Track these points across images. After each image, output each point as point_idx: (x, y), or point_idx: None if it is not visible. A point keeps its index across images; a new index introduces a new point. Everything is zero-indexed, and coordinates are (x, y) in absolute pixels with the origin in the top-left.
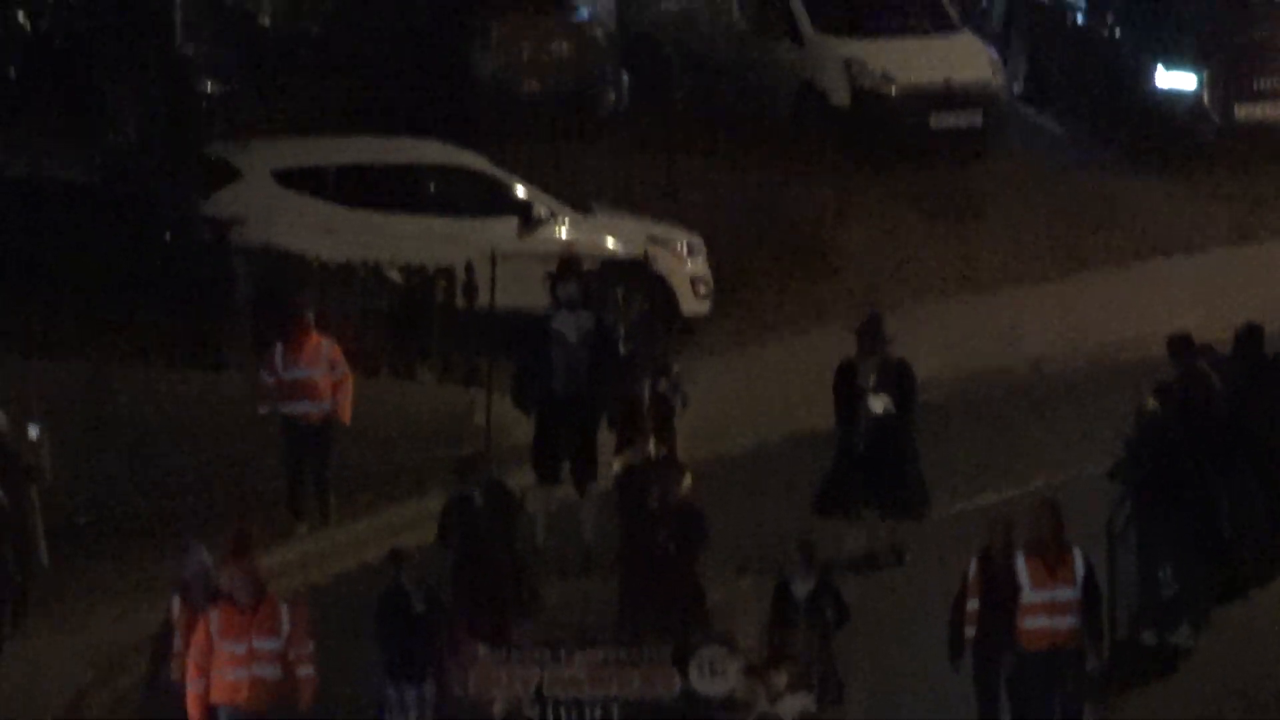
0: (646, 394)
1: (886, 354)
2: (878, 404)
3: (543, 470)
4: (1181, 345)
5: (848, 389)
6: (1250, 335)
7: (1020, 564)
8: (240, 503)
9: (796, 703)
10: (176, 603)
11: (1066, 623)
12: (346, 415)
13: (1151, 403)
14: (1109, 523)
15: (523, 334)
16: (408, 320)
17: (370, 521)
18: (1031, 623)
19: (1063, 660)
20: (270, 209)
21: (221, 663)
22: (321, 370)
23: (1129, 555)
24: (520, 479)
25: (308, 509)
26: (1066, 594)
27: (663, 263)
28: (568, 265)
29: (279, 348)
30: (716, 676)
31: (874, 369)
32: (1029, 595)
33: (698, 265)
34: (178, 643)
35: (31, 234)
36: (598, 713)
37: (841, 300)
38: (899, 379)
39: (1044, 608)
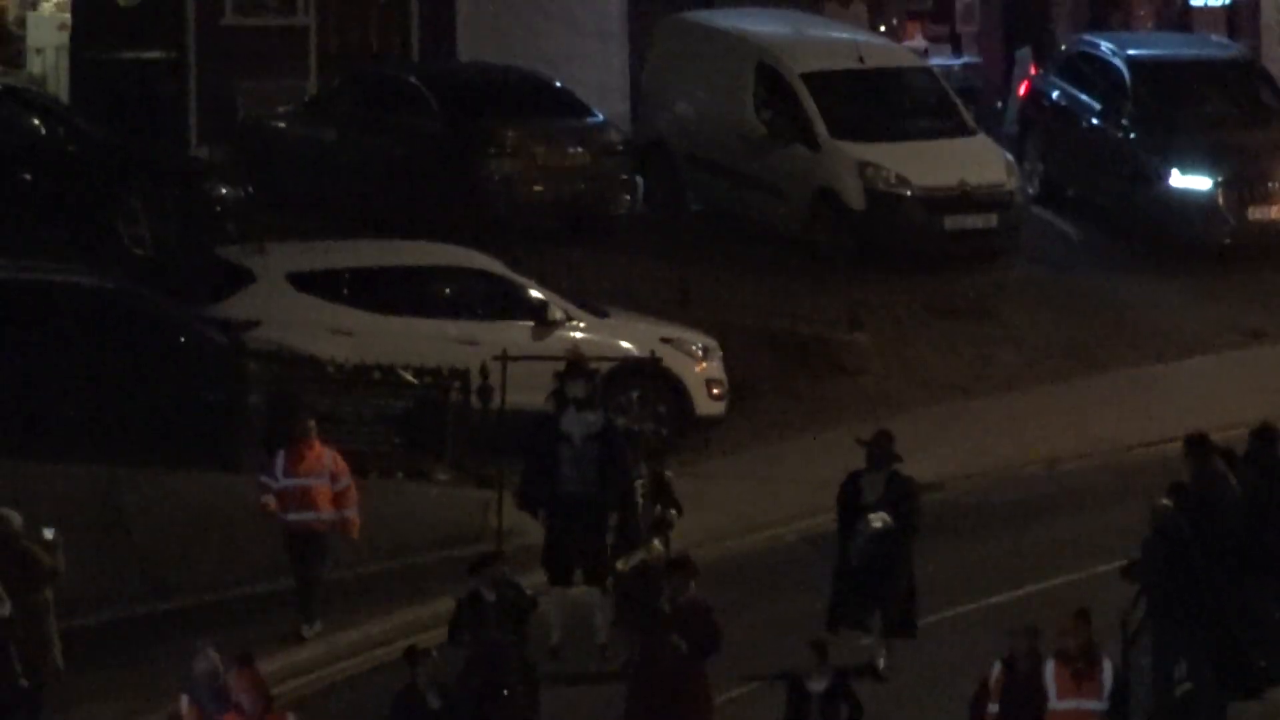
0: (642, 496)
1: (894, 470)
2: (877, 520)
3: (553, 571)
4: (1198, 444)
5: (851, 503)
6: (1264, 435)
7: (1048, 671)
8: (250, 605)
9: None
10: (185, 701)
11: None
12: (353, 528)
13: (1166, 502)
14: (1123, 621)
15: (530, 434)
16: (422, 422)
17: (384, 622)
18: None
19: None
20: (285, 312)
21: None
22: (322, 480)
23: (1143, 653)
24: (534, 580)
25: (313, 612)
26: (1092, 705)
27: (677, 364)
28: (575, 365)
29: (280, 455)
30: None
31: (879, 484)
32: (1055, 704)
33: (712, 367)
34: None
35: (46, 337)
36: None
37: (855, 402)
38: (901, 496)
39: (1069, 717)
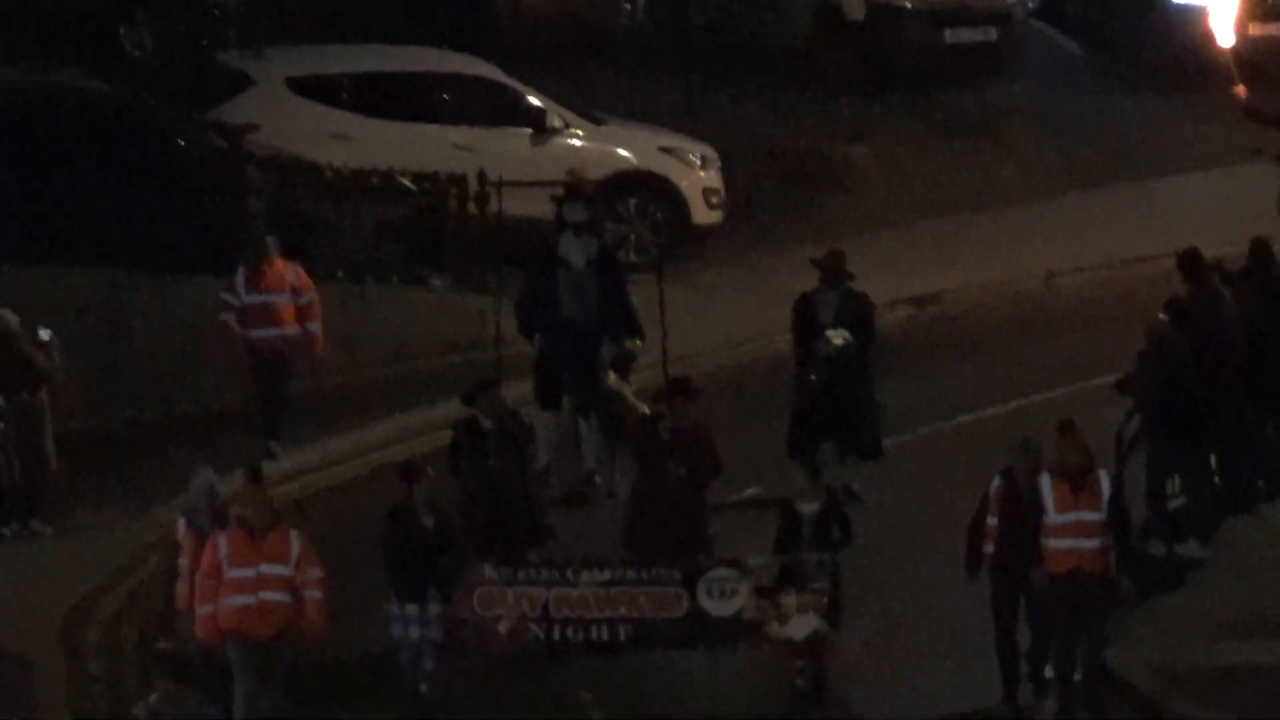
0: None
1: (848, 288)
2: (837, 338)
3: (545, 396)
4: (1191, 261)
5: (806, 323)
6: (1261, 251)
7: (1045, 485)
8: (251, 412)
9: (806, 624)
10: (182, 524)
11: (1090, 546)
12: (318, 343)
13: (1163, 318)
14: (1118, 434)
15: (529, 259)
16: (420, 228)
17: (382, 428)
18: (1055, 545)
19: (1085, 584)
20: (284, 117)
21: (230, 589)
22: (284, 296)
23: (1136, 468)
24: (526, 389)
25: (279, 431)
26: (1091, 517)
27: (675, 172)
28: (574, 188)
29: (241, 272)
30: (725, 598)
31: (834, 303)
32: (1052, 517)
33: (711, 176)
34: (183, 564)
35: (47, 142)
36: (604, 633)
37: (854, 217)
38: (858, 314)
39: (1067, 530)
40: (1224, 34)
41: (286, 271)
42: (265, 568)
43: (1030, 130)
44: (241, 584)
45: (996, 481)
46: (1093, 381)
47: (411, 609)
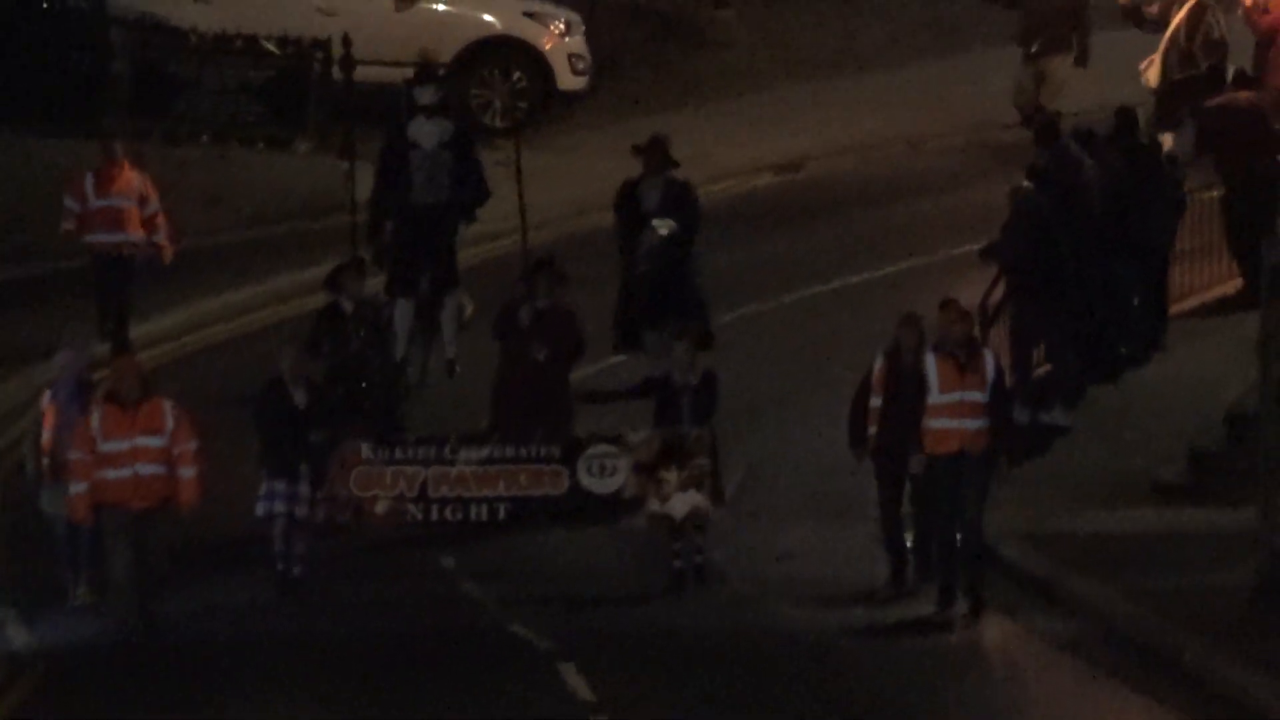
0: None
1: (670, 176)
2: (663, 227)
3: (400, 281)
4: (1048, 129)
5: (630, 211)
6: (1126, 116)
7: (930, 364)
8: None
9: (687, 501)
10: (46, 397)
11: (973, 426)
12: (165, 253)
13: (1026, 184)
14: (982, 302)
15: (382, 145)
16: (284, 91)
17: (246, 290)
18: (937, 424)
19: (969, 463)
20: None
21: (104, 462)
22: (131, 201)
23: (1001, 335)
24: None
25: (110, 331)
26: (974, 397)
27: (539, 37)
28: (425, 70)
29: (89, 176)
30: (606, 475)
31: (658, 190)
32: (936, 396)
33: (575, 42)
34: (45, 436)
35: None
36: (483, 512)
37: (720, 77)
38: (681, 200)
39: (951, 409)
40: None
41: (134, 178)
42: (140, 440)
43: None
44: (116, 457)
45: (879, 361)
46: (958, 249)
47: (280, 484)
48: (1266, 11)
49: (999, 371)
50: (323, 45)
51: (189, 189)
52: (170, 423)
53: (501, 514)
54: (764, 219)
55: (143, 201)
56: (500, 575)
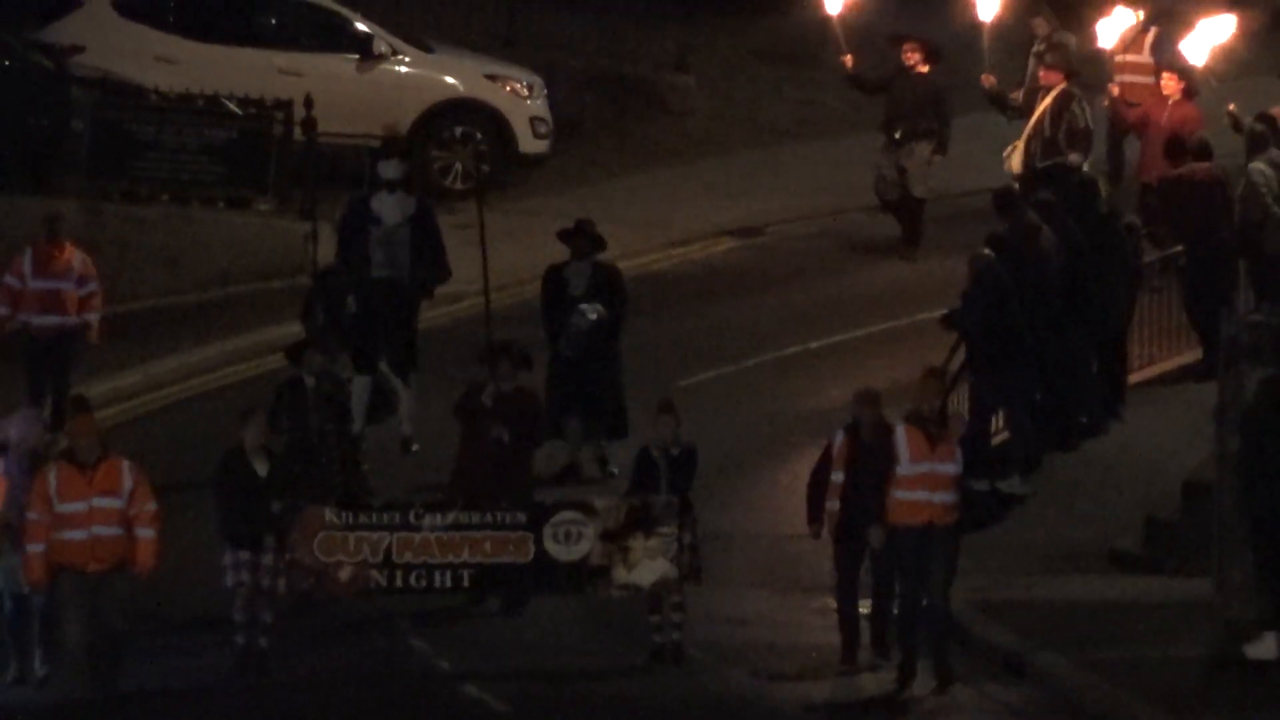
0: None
1: (598, 260)
2: (592, 312)
3: (358, 358)
4: (1008, 199)
5: (556, 295)
6: (1085, 188)
7: (900, 434)
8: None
9: (654, 570)
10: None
11: (942, 499)
12: (94, 333)
13: (986, 251)
14: (941, 369)
15: (341, 218)
16: (245, 152)
17: (203, 351)
18: (905, 496)
19: (937, 536)
20: (110, 38)
21: (61, 523)
22: (70, 284)
23: (961, 402)
24: None
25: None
26: (946, 468)
27: (501, 100)
28: (390, 144)
29: (28, 254)
30: (572, 542)
31: (585, 275)
32: (905, 468)
33: (537, 105)
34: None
35: None
36: (447, 578)
37: (680, 143)
38: (611, 285)
39: (920, 481)
40: None
41: (74, 258)
42: (97, 501)
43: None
44: (73, 518)
45: (840, 436)
46: (918, 316)
47: (244, 555)
48: (1134, 105)
49: (969, 442)
50: (285, 106)
51: (148, 248)
52: (129, 483)
53: (466, 580)
54: (723, 284)
55: (81, 282)
56: (464, 645)
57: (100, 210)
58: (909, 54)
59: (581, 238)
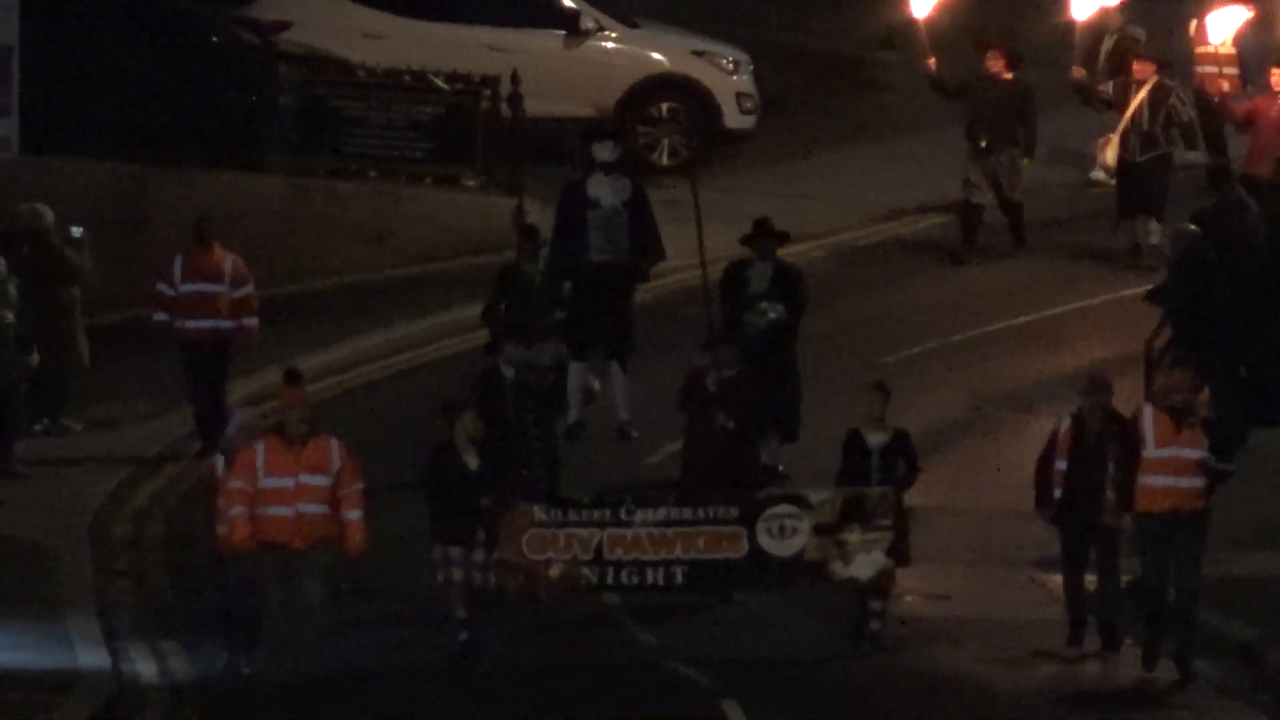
0: None
1: (779, 260)
2: (772, 311)
3: (575, 343)
4: (1220, 172)
5: (737, 293)
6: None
7: (1146, 416)
8: (274, 306)
9: (872, 563)
10: (220, 462)
11: (1190, 483)
12: (252, 336)
13: (1191, 227)
14: (1147, 346)
15: (559, 201)
16: (451, 128)
17: (411, 327)
18: (1151, 481)
19: (1183, 523)
20: (317, 14)
21: (266, 498)
22: (221, 286)
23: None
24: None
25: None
26: (1190, 454)
27: (708, 76)
28: (603, 128)
29: (178, 260)
30: (786, 536)
31: (766, 275)
32: (1151, 452)
33: (743, 81)
34: (221, 503)
35: (79, 34)
36: (659, 576)
37: (883, 120)
38: (791, 285)
39: (1165, 466)
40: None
41: (224, 260)
42: (305, 478)
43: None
44: (279, 494)
45: (1066, 422)
46: (1125, 291)
47: (455, 551)
48: (1243, 99)
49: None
50: (491, 82)
51: (354, 225)
52: (337, 462)
53: (679, 578)
54: (929, 260)
55: (235, 284)
56: (669, 618)
57: (307, 187)
58: (992, 60)
59: (763, 239)
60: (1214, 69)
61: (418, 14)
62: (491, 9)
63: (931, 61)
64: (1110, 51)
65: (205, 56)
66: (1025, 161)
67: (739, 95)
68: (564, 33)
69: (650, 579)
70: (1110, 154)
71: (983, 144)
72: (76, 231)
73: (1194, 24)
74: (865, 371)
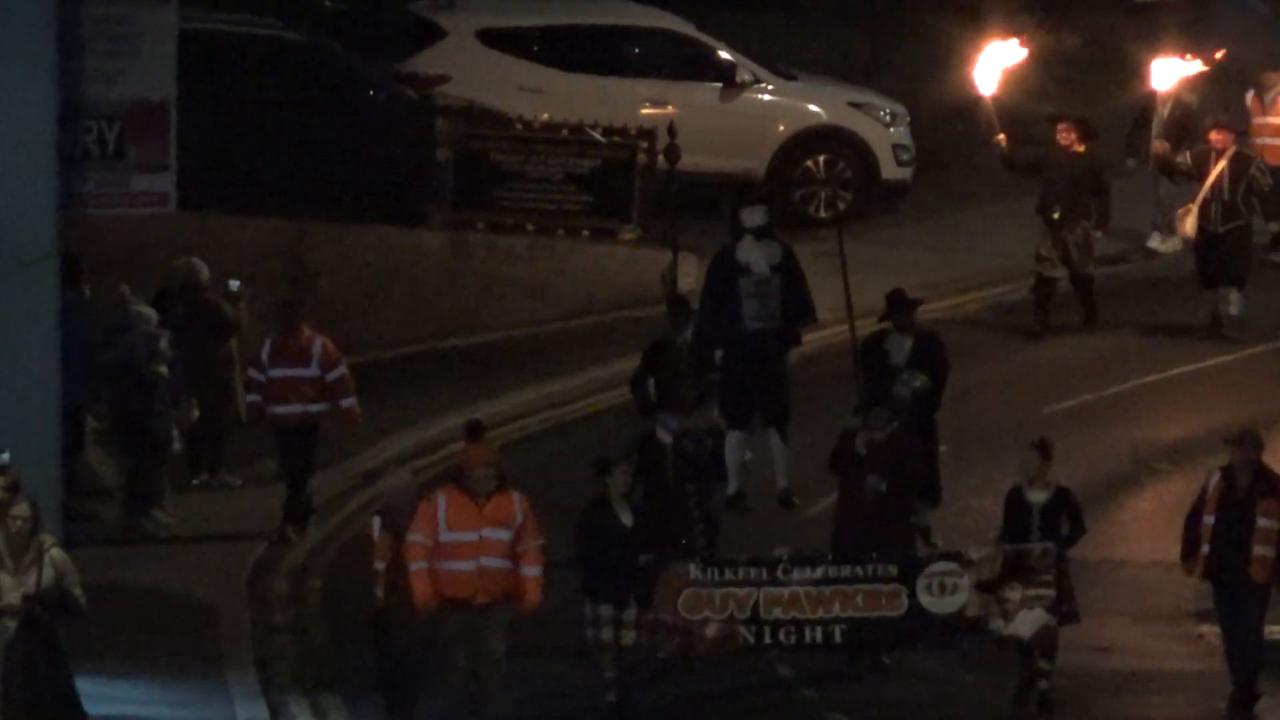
0: None
1: (919, 329)
2: (916, 380)
3: (732, 414)
4: None
5: (877, 364)
6: None
7: None
8: (434, 360)
9: (1033, 620)
10: (376, 524)
11: None
12: (353, 417)
13: None
14: None
15: (709, 268)
16: (609, 182)
17: (567, 380)
18: None
19: None
20: (474, 68)
21: (448, 553)
22: (309, 371)
23: None
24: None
25: (299, 514)
26: None
27: (865, 128)
28: (751, 193)
29: (266, 343)
30: (946, 594)
31: (906, 345)
32: None
33: (900, 133)
34: (379, 567)
35: (239, 91)
36: (818, 634)
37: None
38: (933, 354)
39: None
40: None
41: (312, 343)
42: (488, 532)
43: None
44: (462, 549)
45: (1215, 477)
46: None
47: (606, 610)
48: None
49: None
50: (648, 135)
51: (512, 279)
52: (519, 516)
53: (838, 636)
54: (1074, 315)
55: (325, 367)
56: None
57: (465, 241)
58: (1064, 133)
59: (899, 311)
60: (1275, 141)
61: (575, 67)
62: (648, 62)
63: (1001, 138)
64: (1168, 121)
65: (364, 111)
66: (1099, 234)
67: (895, 147)
68: (721, 85)
69: (809, 637)
70: (1190, 224)
71: (1055, 216)
72: (234, 285)
73: (1250, 95)
74: (1026, 424)
